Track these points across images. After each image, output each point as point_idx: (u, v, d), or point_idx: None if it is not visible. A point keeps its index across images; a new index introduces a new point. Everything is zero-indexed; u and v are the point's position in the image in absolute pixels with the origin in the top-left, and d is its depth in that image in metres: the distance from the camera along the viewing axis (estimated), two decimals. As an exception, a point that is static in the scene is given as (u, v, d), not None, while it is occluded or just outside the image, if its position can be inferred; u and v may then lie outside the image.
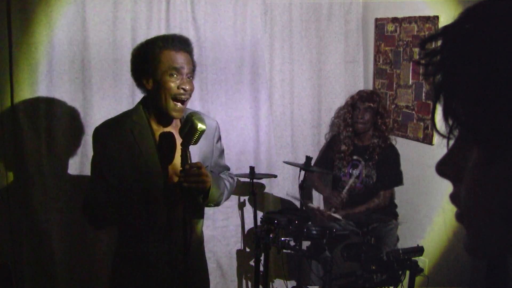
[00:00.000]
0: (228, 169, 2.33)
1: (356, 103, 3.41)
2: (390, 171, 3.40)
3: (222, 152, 2.24)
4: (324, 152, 3.67)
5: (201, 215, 2.19)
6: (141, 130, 1.96)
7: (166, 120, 2.00)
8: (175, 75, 1.89)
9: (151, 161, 1.94)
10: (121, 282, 2.10)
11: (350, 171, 3.46)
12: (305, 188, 3.06)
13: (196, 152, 2.01)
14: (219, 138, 2.20)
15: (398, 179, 3.42)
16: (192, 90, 1.95)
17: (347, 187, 3.36)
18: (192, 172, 1.83)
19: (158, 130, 1.97)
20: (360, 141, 3.47)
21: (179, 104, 1.91)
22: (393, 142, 3.48)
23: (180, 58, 1.91)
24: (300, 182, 3.00)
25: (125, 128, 1.96)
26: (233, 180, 2.29)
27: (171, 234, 1.84)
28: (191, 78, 1.96)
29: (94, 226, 2.06)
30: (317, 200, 3.83)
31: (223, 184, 2.13)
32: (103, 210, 1.97)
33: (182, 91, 1.90)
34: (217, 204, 2.13)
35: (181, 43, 1.94)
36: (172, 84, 1.89)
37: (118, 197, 1.95)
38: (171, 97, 1.89)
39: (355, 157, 3.46)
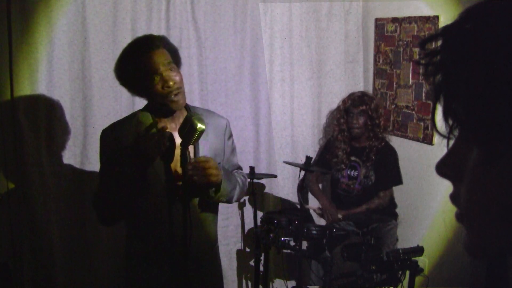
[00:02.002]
0: (241, 168, 2.33)
1: (349, 108, 3.39)
2: (388, 171, 3.40)
3: (234, 149, 2.25)
4: (321, 154, 3.67)
5: (212, 214, 2.17)
6: (147, 129, 1.97)
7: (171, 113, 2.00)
8: (155, 77, 1.88)
9: (156, 161, 1.94)
10: (131, 280, 2.12)
11: (349, 172, 3.47)
12: (304, 188, 3.07)
13: (206, 149, 2.02)
14: (231, 135, 2.21)
15: (397, 178, 3.42)
16: (178, 80, 1.91)
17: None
18: (201, 165, 1.83)
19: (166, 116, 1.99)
20: (356, 142, 3.47)
21: (172, 97, 1.90)
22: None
23: (155, 58, 1.88)
24: (299, 182, 3.00)
25: (130, 128, 1.98)
26: (245, 179, 2.29)
27: (174, 232, 1.85)
28: (173, 69, 1.92)
29: (104, 222, 2.08)
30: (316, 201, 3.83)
31: (234, 179, 2.12)
32: (112, 199, 1.96)
33: (168, 88, 1.88)
34: (229, 199, 2.11)
35: (151, 42, 1.93)
36: (157, 87, 1.88)
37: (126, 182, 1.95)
38: (164, 97, 1.90)
39: (352, 159, 3.46)
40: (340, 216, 3.34)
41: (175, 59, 1.99)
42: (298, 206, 3.31)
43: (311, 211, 3.60)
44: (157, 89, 1.88)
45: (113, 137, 1.98)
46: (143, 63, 1.88)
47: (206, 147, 2.03)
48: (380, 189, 3.39)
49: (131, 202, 1.94)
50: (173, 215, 1.88)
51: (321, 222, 3.66)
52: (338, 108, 3.56)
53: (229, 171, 2.16)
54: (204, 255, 2.11)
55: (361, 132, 3.39)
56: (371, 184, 3.40)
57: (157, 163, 1.92)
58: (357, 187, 3.43)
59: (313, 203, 3.75)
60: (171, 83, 1.88)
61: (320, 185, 3.77)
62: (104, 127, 2.07)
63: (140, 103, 2.99)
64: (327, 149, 3.61)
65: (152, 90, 1.89)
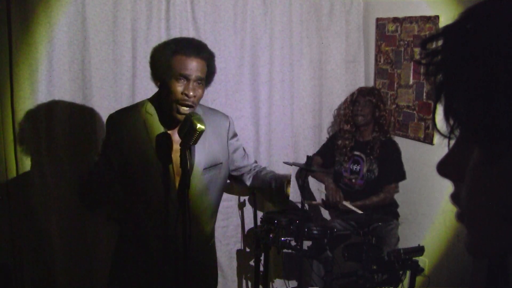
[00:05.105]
0: (255, 161, 2.38)
1: (356, 98, 3.44)
2: (392, 166, 3.40)
3: (238, 148, 2.24)
4: (326, 146, 3.68)
5: (209, 212, 2.17)
6: (153, 122, 1.98)
7: (170, 119, 2.00)
8: (182, 80, 1.90)
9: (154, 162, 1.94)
10: (121, 276, 2.11)
11: (351, 167, 3.47)
12: (306, 188, 3.07)
13: (204, 150, 2.02)
14: (235, 135, 2.20)
15: (401, 174, 3.41)
16: (198, 96, 1.94)
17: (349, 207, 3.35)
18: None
19: (169, 123, 2.00)
20: (361, 136, 3.48)
21: (182, 108, 1.91)
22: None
23: (190, 64, 1.90)
24: (301, 182, 3.00)
25: (139, 118, 1.98)
26: (274, 172, 2.37)
27: (169, 227, 1.85)
28: (201, 84, 1.95)
29: (86, 205, 2.13)
30: (318, 199, 3.83)
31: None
32: (98, 189, 2.04)
33: (185, 96, 1.89)
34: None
35: (193, 49, 1.94)
36: (178, 89, 1.89)
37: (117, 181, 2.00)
38: (175, 101, 1.90)
39: (356, 153, 3.47)
40: (345, 203, 3.32)
41: (208, 78, 2.01)
42: (299, 206, 3.31)
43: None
44: (176, 90, 1.89)
45: (121, 122, 1.99)
46: (183, 62, 1.90)
47: (205, 148, 2.02)
48: (383, 184, 3.38)
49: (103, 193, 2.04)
50: (170, 216, 1.88)
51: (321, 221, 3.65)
52: (345, 100, 3.61)
53: (273, 176, 2.23)
54: (198, 253, 2.10)
55: (365, 121, 3.41)
56: (374, 178, 3.39)
57: (156, 164, 1.92)
58: (359, 182, 3.43)
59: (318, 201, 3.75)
60: (191, 93, 1.90)
61: None
62: (110, 114, 2.08)
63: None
64: (331, 141, 3.62)
65: (171, 89, 1.90)
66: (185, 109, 1.90)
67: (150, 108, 2.00)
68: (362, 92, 3.45)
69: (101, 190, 2.01)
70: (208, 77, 1.99)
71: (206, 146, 2.02)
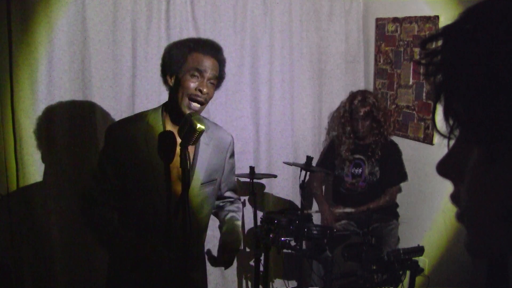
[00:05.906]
0: (235, 188, 2.31)
1: (352, 111, 3.39)
2: (393, 167, 3.40)
3: (233, 167, 2.23)
4: (326, 153, 3.67)
5: (202, 228, 2.16)
6: (155, 135, 1.91)
7: (179, 117, 1.95)
8: (196, 76, 1.90)
9: (160, 165, 1.92)
10: (118, 280, 2.10)
11: (353, 170, 3.46)
12: (306, 188, 3.06)
13: (204, 165, 2.00)
14: (233, 154, 2.19)
15: (402, 175, 3.41)
16: (210, 95, 1.93)
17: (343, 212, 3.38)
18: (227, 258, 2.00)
19: (178, 122, 1.96)
20: (361, 139, 3.47)
21: (193, 104, 1.90)
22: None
23: (206, 62, 1.91)
24: (301, 182, 3.00)
25: (139, 131, 1.95)
26: (241, 211, 2.31)
27: (172, 233, 1.84)
28: (213, 84, 1.95)
29: (87, 226, 2.08)
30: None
31: (240, 232, 2.18)
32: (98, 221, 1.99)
33: (198, 92, 1.89)
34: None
35: (211, 48, 1.96)
36: (191, 84, 1.89)
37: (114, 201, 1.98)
38: (187, 95, 1.89)
39: (356, 156, 3.46)
40: (337, 224, 3.36)
41: (218, 82, 2.01)
42: (299, 206, 3.31)
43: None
44: (189, 85, 1.89)
45: (121, 134, 1.95)
46: (199, 59, 1.91)
47: (205, 162, 2.01)
48: (386, 185, 3.39)
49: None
50: (171, 216, 1.88)
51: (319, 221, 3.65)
52: (342, 108, 3.55)
53: (234, 226, 2.17)
54: (191, 242, 2.10)
55: (367, 133, 3.40)
56: (376, 180, 3.39)
57: (157, 163, 1.91)
58: (361, 184, 3.43)
59: (315, 205, 3.75)
60: (205, 89, 1.90)
61: (324, 187, 3.77)
62: (110, 125, 2.06)
63: (140, 104, 3.01)
64: (331, 147, 3.61)
65: (184, 84, 1.89)
66: (196, 105, 1.90)
67: (154, 120, 1.96)
68: (358, 106, 3.36)
69: (103, 205, 1.98)
70: (218, 80, 1.99)
71: (206, 160, 2.01)
